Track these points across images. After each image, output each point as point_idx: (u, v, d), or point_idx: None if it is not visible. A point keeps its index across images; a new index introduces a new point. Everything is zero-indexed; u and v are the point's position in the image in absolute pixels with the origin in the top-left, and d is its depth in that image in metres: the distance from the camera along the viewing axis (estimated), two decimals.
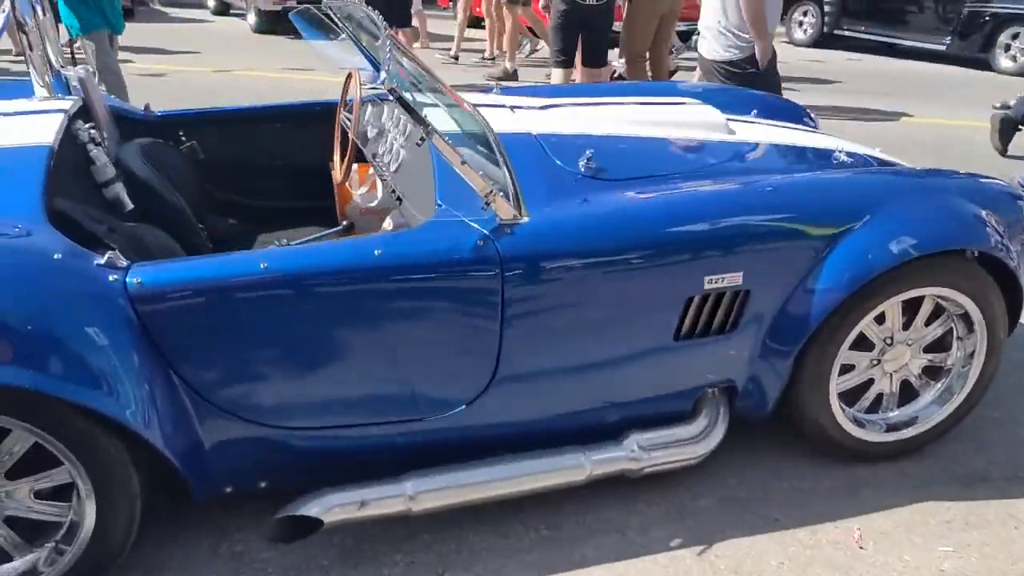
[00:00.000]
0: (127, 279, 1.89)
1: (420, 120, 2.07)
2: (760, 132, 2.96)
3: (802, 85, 8.43)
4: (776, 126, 3.11)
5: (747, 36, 3.96)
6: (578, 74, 6.18)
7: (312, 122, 3.39)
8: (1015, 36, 9.58)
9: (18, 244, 1.85)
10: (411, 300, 2.10)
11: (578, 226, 2.21)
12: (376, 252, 2.04)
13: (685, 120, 2.85)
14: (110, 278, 1.88)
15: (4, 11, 2.64)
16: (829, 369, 2.42)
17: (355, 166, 3.19)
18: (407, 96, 2.08)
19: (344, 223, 2.90)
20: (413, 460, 2.22)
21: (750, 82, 3.91)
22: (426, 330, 2.13)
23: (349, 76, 3.12)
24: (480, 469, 2.23)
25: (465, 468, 2.23)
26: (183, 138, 3.18)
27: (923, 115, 7.46)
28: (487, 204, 2.11)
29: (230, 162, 3.30)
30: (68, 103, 2.53)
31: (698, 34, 4.44)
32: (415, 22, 8.71)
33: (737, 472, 2.58)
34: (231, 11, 12.83)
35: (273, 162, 3.39)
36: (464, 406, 2.21)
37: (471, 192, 2.12)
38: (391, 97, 2.07)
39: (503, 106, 2.86)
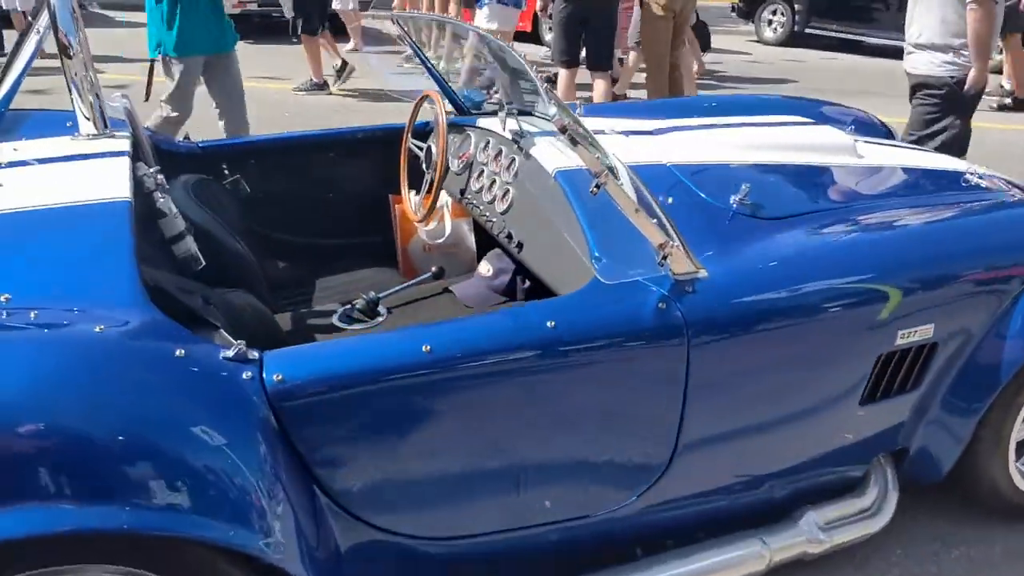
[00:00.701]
0: (264, 374, 1.50)
1: (597, 163, 1.73)
2: (885, 154, 2.69)
3: (787, 86, 8.29)
4: (890, 145, 2.86)
5: (966, 55, 3.61)
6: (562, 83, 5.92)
7: (367, 150, 3.01)
8: None
9: (124, 339, 1.45)
10: (584, 377, 1.76)
11: (760, 278, 1.91)
12: (549, 324, 1.69)
13: (814, 143, 2.56)
14: (244, 375, 1.49)
15: (37, 32, 2.19)
16: (1011, 425, 2.17)
17: (415, 197, 2.83)
18: (583, 134, 1.73)
19: (434, 269, 2.53)
20: (574, 563, 1.88)
21: (950, 104, 3.59)
22: (600, 411, 1.79)
23: (421, 100, 2.75)
24: (653, 569, 1.90)
25: (635, 569, 1.90)
26: (226, 171, 2.76)
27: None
28: (664, 259, 1.78)
29: (276, 196, 2.90)
30: (123, 142, 2.11)
31: None
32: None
33: (900, 539, 2.30)
34: None
35: (322, 195, 3.00)
36: (636, 496, 1.88)
37: (630, 242, 1.80)
38: (562, 136, 1.73)
39: (611, 131, 2.53)
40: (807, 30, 11.38)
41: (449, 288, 2.50)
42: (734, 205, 2.12)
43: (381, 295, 2.40)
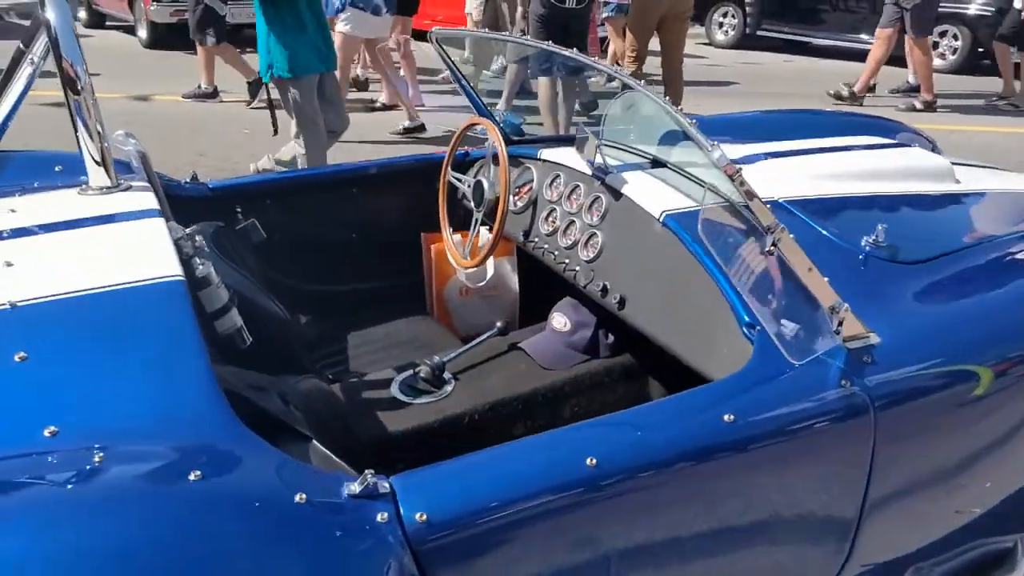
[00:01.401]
0: (401, 512, 1.15)
1: (771, 217, 1.42)
2: (976, 176, 2.46)
3: (749, 89, 8.17)
4: (971, 166, 2.63)
5: None
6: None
7: (394, 185, 2.66)
8: (942, 34, 9.71)
9: (229, 490, 1.08)
10: (762, 474, 1.45)
11: (933, 339, 1.63)
12: (727, 418, 1.37)
13: (914, 169, 2.30)
14: (379, 518, 1.13)
15: (31, 62, 1.75)
16: None
17: (456, 237, 2.49)
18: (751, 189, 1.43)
19: (499, 324, 2.19)
20: None
21: None
22: (775, 510, 1.49)
23: (466, 127, 2.40)
24: None
25: None
26: (240, 214, 2.37)
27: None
28: (840, 324, 1.49)
29: (295, 240, 2.51)
30: (145, 196, 1.71)
31: None
32: None
33: None
34: (107, 23, 11.43)
35: (344, 237, 2.63)
36: None
37: (788, 306, 1.51)
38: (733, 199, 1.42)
39: None
40: (758, 32, 11.36)
41: (519, 345, 2.17)
42: (867, 247, 1.84)
43: (446, 359, 2.06)
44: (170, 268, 1.41)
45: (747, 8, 11.31)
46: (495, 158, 2.28)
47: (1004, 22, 8.16)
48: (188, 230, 1.68)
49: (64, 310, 1.29)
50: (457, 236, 2.54)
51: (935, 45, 9.87)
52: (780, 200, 1.97)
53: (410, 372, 2.06)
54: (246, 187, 2.42)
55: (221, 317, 1.69)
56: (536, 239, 2.21)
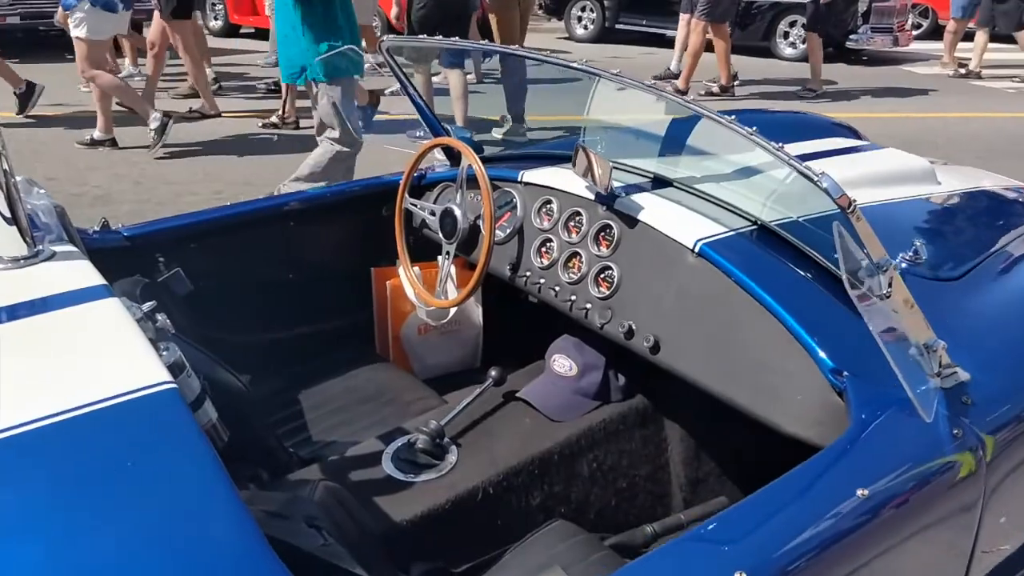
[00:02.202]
0: None
1: (882, 250, 1.23)
2: (948, 173, 2.40)
3: None
4: (941, 165, 2.59)
5: None
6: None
7: (336, 215, 2.32)
8: (792, 24, 10.11)
9: None
10: (884, 543, 1.26)
11: (1015, 367, 1.51)
12: (860, 493, 1.17)
13: (901, 172, 2.21)
14: None
15: None
16: None
17: (415, 271, 2.20)
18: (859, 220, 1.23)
19: (493, 373, 1.91)
20: None
21: None
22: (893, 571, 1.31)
23: (428, 148, 2.11)
24: None
25: None
26: (162, 264, 1.97)
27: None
28: (942, 368, 1.33)
29: (226, 287, 2.13)
30: (82, 267, 1.32)
31: None
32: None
33: None
34: None
35: (281, 277, 2.27)
36: None
37: (867, 346, 1.34)
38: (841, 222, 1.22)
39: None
40: (617, 25, 11.45)
41: (520, 396, 1.91)
42: (904, 264, 1.70)
43: (443, 422, 1.77)
44: (153, 372, 1.06)
45: (604, 2, 11.37)
46: (470, 181, 2.00)
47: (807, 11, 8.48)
48: (144, 307, 1.32)
49: (41, 446, 0.92)
50: (416, 269, 2.24)
51: (785, 35, 10.30)
52: (779, 221, 1.80)
53: (403, 442, 1.75)
54: (167, 231, 2.02)
55: (197, 411, 1.34)
56: (528, 273, 1.95)
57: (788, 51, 10.21)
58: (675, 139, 2.00)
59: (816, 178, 1.24)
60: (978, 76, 9.23)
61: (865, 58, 10.51)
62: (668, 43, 11.28)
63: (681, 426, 1.95)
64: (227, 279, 2.14)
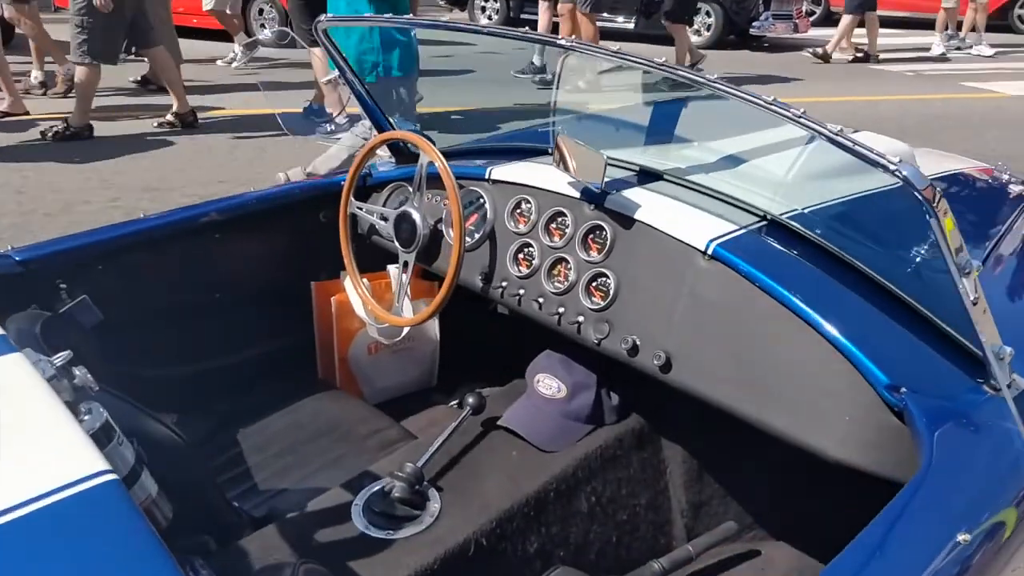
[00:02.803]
0: None
1: (964, 249, 1.05)
2: (923, 158, 2.28)
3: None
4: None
5: None
6: None
7: (265, 224, 2.02)
8: (696, 12, 10.13)
9: None
10: None
11: None
12: (961, 539, 0.98)
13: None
14: None
15: None
16: None
17: (365, 282, 1.94)
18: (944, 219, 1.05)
19: (470, 400, 1.66)
20: None
21: None
22: None
23: (376, 144, 1.84)
24: None
25: None
26: (64, 291, 1.64)
27: None
28: (1012, 375, 1.17)
29: (140, 313, 1.82)
30: None
31: None
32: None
33: None
34: None
35: (204, 298, 1.96)
36: None
37: (921, 355, 1.18)
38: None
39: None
40: (522, 16, 11.27)
41: (502, 424, 1.67)
42: (921, 257, 1.55)
43: (419, 463, 1.51)
44: (86, 458, 0.77)
45: None
46: (430, 180, 1.74)
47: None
48: (56, 360, 1.02)
49: None
50: (364, 281, 1.97)
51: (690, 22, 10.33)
52: (789, 214, 1.62)
53: (375, 490, 1.49)
54: (68, 252, 1.68)
55: (133, 486, 1.06)
56: (504, 283, 1.70)
57: (693, 38, 10.23)
58: (659, 126, 1.80)
59: (894, 167, 1.05)
60: (877, 60, 9.47)
61: (767, 44, 10.65)
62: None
63: (681, 446, 1.75)
64: (142, 304, 1.83)
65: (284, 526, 1.45)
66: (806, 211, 1.58)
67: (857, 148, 1.12)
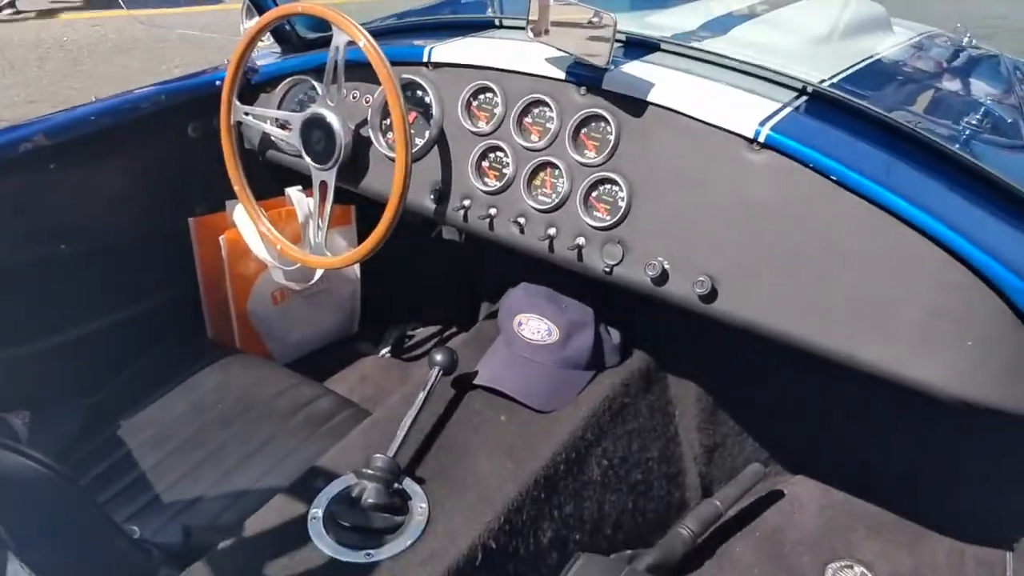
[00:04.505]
0: None
1: None
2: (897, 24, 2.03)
3: None
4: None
5: None
6: None
7: (119, 145, 1.50)
8: None
9: None
10: None
11: None
12: None
13: (875, 18, 1.78)
14: None
15: None
16: None
17: (263, 215, 1.50)
18: None
19: (438, 358, 1.26)
20: None
21: None
22: None
23: (263, 26, 1.35)
24: None
25: None
26: None
27: None
28: None
29: None
30: None
31: None
32: None
33: None
34: None
35: (45, 251, 1.45)
36: None
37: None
38: None
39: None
40: None
41: (484, 384, 1.29)
42: (968, 131, 1.29)
43: (390, 453, 1.12)
44: None
45: None
46: (348, 69, 1.29)
47: None
48: None
49: None
50: (306, 212, 1.52)
51: None
52: (819, 86, 1.29)
53: (338, 495, 1.09)
54: None
55: None
56: (466, 203, 1.30)
57: None
58: None
59: None
60: None
61: None
62: None
63: (693, 382, 1.45)
64: None
65: (213, 562, 1.04)
66: (845, 77, 1.26)
67: None
